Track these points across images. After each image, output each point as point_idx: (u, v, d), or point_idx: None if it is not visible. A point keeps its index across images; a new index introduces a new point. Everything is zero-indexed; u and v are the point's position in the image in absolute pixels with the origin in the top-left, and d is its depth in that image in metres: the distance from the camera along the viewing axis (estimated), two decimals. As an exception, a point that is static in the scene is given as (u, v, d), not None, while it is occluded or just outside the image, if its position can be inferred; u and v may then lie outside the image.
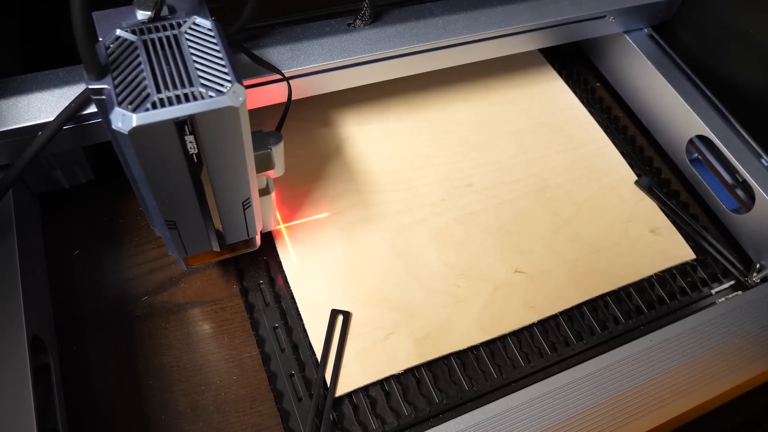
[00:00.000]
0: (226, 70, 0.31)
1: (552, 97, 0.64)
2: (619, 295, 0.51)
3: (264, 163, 0.40)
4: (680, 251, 0.54)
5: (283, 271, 0.48)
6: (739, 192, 0.56)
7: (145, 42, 0.32)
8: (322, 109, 0.59)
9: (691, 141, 0.57)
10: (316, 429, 0.41)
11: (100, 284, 0.47)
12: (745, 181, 0.53)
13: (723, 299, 0.50)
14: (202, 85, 0.31)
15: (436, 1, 0.52)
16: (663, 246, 0.54)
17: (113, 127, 0.29)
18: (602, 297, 0.51)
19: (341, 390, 0.43)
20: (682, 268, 0.53)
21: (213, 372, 0.45)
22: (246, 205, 0.39)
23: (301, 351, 0.45)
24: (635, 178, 0.58)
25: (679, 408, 0.40)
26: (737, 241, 0.55)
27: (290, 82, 0.45)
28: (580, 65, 0.68)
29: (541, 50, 0.67)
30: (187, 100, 0.30)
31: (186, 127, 0.30)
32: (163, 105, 0.30)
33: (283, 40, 0.47)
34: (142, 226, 0.51)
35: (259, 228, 0.43)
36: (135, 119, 0.29)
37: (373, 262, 0.49)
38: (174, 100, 0.30)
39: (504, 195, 0.55)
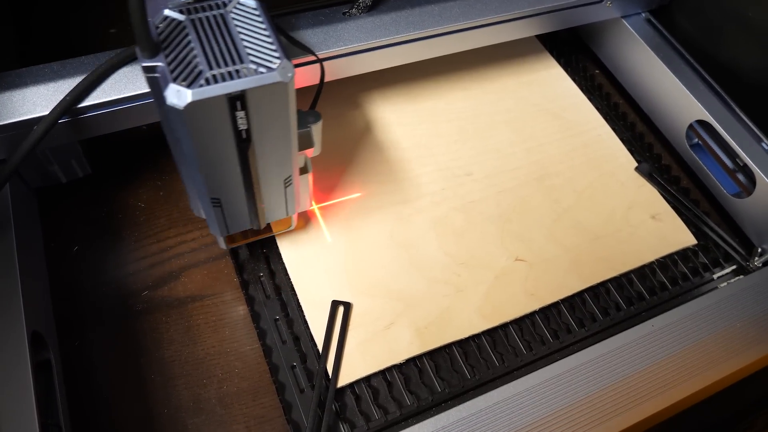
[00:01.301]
0: (274, 47, 0.32)
1: (551, 84, 0.63)
2: (621, 281, 0.51)
3: (304, 142, 0.41)
4: (681, 237, 0.54)
5: (283, 263, 0.48)
6: (740, 176, 0.55)
7: (193, 21, 0.32)
8: (319, 100, 0.58)
9: (691, 126, 0.57)
10: (319, 420, 0.41)
11: (100, 279, 0.47)
12: (745, 165, 0.53)
13: (725, 284, 0.50)
14: (252, 61, 0.31)
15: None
16: (664, 232, 0.54)
17: (168, 103, 0.30)
18: (604, 284, 0.50)
19: (343, 381, 0.43)
20: (684, 254, 0.53)
21: (215, 365, 0.45)
22: (287, 182, 0.40)
23: (303, 343, 0.45)
24: (635, 164, 0.58)
25: (682, 392, 0.40)
26: (738, 225, 0.55)
27: (322, 65, 0.46)
28: (579, 52, 0.68)
29: (539, 38, 0.67)
30: (239, 76, 0.31)
31: (238, 102, 0.31)
32: (216, 81, 0.30)
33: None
34: (142, 220, 0.51)
35: (297, 207, 0.44)
36: (190, 95, 0.30)
37: (373, 252, 0.49)
38: (226, 76, 0.31)
39: (504, 183, 0.55)
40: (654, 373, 0.40)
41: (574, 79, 0.64)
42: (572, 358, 0.40)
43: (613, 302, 0.50)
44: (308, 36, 0.46)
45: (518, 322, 0.48)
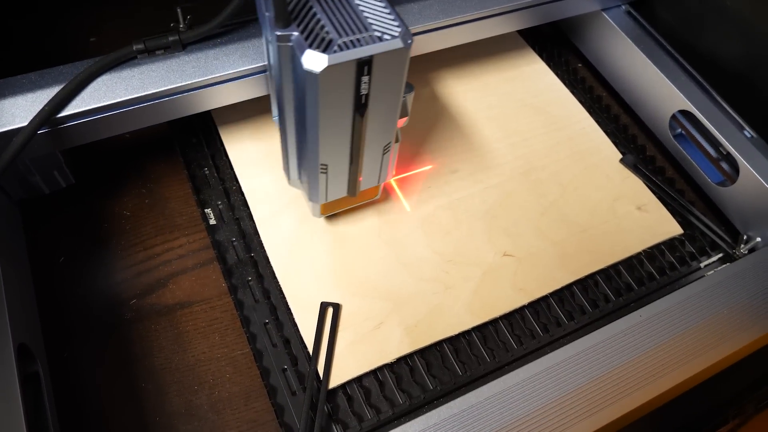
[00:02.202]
0: (392, 16, 0.35)
1: (534, 79, 0.64)
2: (609, 273, 0.51)
3: (403, 110, 0.42)
4: (668, 227, 0.54)
5: (271, 267, 0.48)
6: (724, 165, 0.56)
7: None
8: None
9: (673, 116, 0.57)
10: (311, 422, 0.41)
11: (87, 289, 0.47)
12: (728, 153, 0.53)
13: (712, 272, 0.50)
14: (375, 30, 0.34)
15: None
16: (650, 222, 0.54)
17: (305, 68, 0.32)
18: (592, 276, 0.51)
19: (334, 382, 0.43)
20: (671, 244, 0.54)
21: (205, 371, 0.44)
22: (386, 149, 0.42)
23: (293, 345, 0.45)
24: (620, 156, 0.58)
25: (672, 380, 0.40)
26: (724, 213, 0.55)
27: None
28: (561, 46, 0.68)
29: (521, 33, 0.67)
30: (366, 43, 0.33)
31: (365, 67, 0.34)
32: (347, 47, 0.33)
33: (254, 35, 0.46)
34: (128, 229, 0.50)
35: (387, 176, 0.46)
36: (327, 59, 0.32)
37: (360, 252, 0.49)
38: (356, 42, 0.33)
39: (490, 179, 0.55)
40: (644, 363, 0.40)
41: (556, 74, 0.64)
42: (561, 351, 0.40)
43: (601, 294, 0.50)
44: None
45: (508, 317, 0.48)
